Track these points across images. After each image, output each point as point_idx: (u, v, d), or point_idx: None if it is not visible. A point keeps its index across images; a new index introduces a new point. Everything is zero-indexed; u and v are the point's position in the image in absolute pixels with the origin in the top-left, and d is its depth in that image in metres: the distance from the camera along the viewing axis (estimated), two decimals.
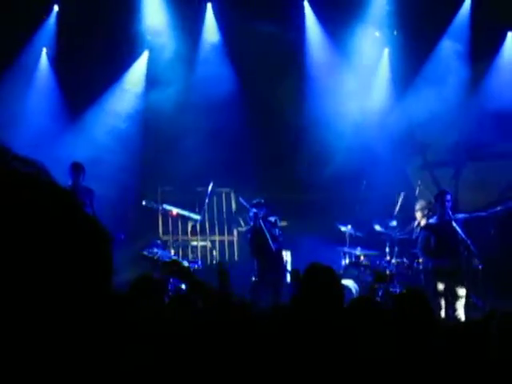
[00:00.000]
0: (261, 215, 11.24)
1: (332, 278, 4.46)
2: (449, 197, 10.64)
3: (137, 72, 13.99)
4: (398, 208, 11.90)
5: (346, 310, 4.37)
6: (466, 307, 10.25)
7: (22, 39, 13.15)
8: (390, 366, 3.90)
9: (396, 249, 11.55)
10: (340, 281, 4.43)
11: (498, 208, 11.08)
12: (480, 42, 13.27)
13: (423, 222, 11.61)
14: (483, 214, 11.12)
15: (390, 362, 3.91)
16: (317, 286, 4.36)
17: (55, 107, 13.43)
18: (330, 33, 13.83)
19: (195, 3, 13.65)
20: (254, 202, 11.37)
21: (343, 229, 11.79)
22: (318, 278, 4.44)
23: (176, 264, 4.83)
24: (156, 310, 4.00)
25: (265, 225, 11.20)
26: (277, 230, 11.45)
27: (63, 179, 11.14)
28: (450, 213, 10.52)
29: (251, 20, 13.45)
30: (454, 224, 10.43)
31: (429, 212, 11.72)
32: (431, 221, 10.91)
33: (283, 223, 12.29)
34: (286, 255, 12.13)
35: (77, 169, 11.09)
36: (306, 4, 13.92)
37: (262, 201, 11.47)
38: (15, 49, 13.04)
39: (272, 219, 11.51)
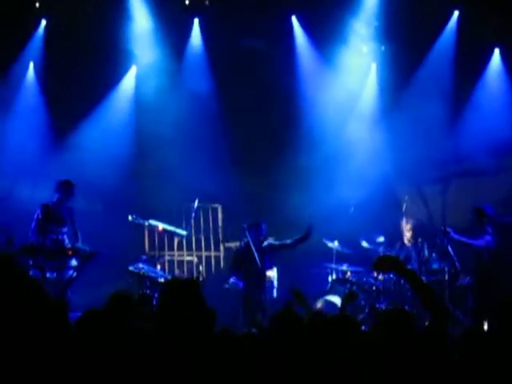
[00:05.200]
0: (252, 236, 11.29)
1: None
2: None
3: (125, 88, 13.95)
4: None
5: None
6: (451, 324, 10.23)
7: (9, 53, 13.10)
8: None
9: None
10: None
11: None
12: (467, 57, 13.31)
13: (408, 240, 11.67)
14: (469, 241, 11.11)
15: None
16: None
17: (42, 123, 13.37)
18: (318, 48, 13.83)
19: (182, 18, 13.61)
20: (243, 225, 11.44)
21: (330, 245, 11.79)
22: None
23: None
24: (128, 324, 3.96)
25: (255, 244, 11.23)
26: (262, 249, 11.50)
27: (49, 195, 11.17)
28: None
29: (238, 36, 13.48)
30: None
31: (414, 232, 11.77)
32: None
33: (270, 240, 12.22)
34: (273, 271, 12.09)
35: (66, 188, 11.03)
36: (295, 20, 13.91)
37: (258, 221, 11.56)
38: (2, 63, 12.99)
39: (266, 242, 11.55)
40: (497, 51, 13.54)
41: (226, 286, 11.05)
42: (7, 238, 10.15)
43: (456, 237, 10.78)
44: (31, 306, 3.16)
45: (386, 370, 4.01)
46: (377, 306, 10.86)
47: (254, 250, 11.04)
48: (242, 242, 11.42)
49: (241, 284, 11.07)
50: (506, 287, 10.46)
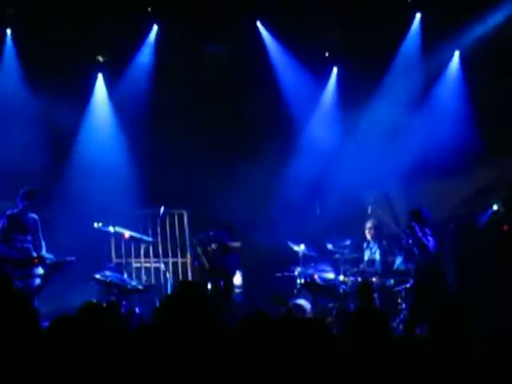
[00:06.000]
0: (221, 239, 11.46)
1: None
2: None
3: (98, 96, 13.98)
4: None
5: None
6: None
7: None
8: None
9: (349, 267, 11.65)
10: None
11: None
12: (429, 60, 13.46)
13: (369, 239, 11.82)
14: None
15: None
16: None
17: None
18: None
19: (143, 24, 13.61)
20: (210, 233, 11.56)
21: (296, 248, 11.81)
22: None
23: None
24: (100, 332, 3.96)
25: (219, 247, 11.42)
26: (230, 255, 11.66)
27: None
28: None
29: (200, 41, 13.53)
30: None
31: (376, 231, 11.89)
32: None
33: (237, 244, 12.27)
34: (238, 276, 12.16)
35: (29, 196, 10.95)
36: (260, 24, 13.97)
37: (224, 225, 11.68)
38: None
39: (233, 244, 11.68)
40: (457, 54, 13.70)
41: None
42: None
43: (419, 234, 10.80)
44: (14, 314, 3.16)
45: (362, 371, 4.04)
46: (344, 308, 10.92)
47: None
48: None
49: None
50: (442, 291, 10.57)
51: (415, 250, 10.78)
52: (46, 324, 4.61)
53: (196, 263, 11.82)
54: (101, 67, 13.88)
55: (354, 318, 4.73)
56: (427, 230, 10.82)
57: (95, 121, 13.89)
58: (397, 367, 4.10)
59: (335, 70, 14.17)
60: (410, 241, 10.88)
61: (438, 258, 10.86)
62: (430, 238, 10.75)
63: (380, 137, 13.40)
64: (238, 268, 12.22)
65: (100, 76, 13.95)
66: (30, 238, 10.91)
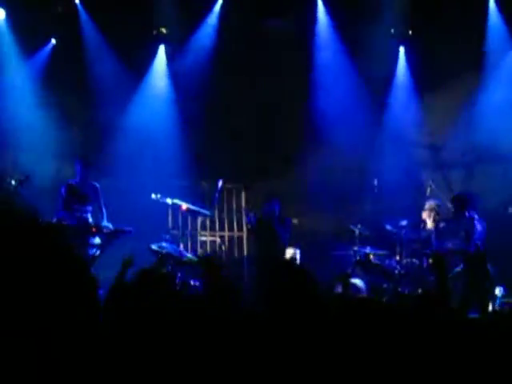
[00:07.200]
0: (273, 213, 11.46)
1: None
2: None
3: (158, 67, 14.07)
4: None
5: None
6: None
7: None
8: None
9: (406, 248, 11.53)
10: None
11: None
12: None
13: (430, 223, 11.59)
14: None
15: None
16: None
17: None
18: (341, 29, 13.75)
19: None
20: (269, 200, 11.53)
21: (354, 228, 11.74)
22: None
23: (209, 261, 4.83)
24: (159, 303, 3.97)
25: (275, 223, 11.41)
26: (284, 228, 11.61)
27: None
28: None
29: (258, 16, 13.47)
30: None
31: (436, 213, 11.69)
32: None
33: (294, 221, 12.28)
34: (296, 253, 12.10)
35: (85, 165, 11.09)
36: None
37: (276, 199, 11.66)
38: None
39: (287, 218, 11.70)
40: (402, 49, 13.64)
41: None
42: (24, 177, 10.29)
43: (468, 218, 10.63)
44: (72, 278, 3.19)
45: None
46: (399, 289, 10.83)
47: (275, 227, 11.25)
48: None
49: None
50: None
51: (463, 234, 10.61)
52: (102, 291, 4.65)
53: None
54: (164, 39, 13.93)
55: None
56: (475, 215, 10.66)
57: (153, 91, 13.96)
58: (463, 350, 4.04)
59: (402, 49, 13.96)
60: (460, 225, 10.72)
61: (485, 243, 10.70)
62: (478, 224, 10.60)
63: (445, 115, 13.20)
64: (294, 244, 12.16)
65: (162, 47, 14.00)
66: (89, 207, 11.05)
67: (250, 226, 11.93)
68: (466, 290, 10.36)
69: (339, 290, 6.70)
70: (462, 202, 10.71)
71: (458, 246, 10.76)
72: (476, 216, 10.66)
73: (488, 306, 10.27)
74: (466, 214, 10.60)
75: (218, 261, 5.65)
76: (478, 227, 10.55)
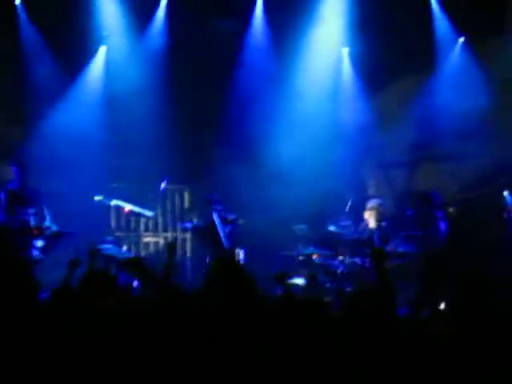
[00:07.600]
0: (215, 211, 11.41)
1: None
2: None
3: (95, 68, 13.85)
4: (348, 207, 11.93)
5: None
6: None
7: None
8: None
9: (349, 248, 11.63)
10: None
11: None
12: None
13: (371, 222, 11.68)
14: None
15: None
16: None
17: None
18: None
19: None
20: (209, 197, 11.50)
21: (297, 228, 11.81)
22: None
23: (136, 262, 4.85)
24: (103, 304, 3.96)
25: (218, 223, 11.39)
26: (228, 228, 11.57)
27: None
28: None
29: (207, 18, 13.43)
30: None
31: (378, 213, 11.78)
32: None
33: (240, 221, 12.30)
34: (240, 253, 12.11)
35: (20, 166, 10.96)
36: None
37: (217, 197, 11.62)
38: None
39: (230, 217, 11.63)
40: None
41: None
42: None
43: (431, 217, 10.74)
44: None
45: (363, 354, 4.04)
46: (342, 288, 10.93)
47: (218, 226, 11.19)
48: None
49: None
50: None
51: (423, 233, 10.69)
52: (44, 295, 4.62)
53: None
54: (106, 40, 13.79)
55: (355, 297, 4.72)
56: (438, 214, 10.78)
57: (89, 93, 13.82)
58: (400, 348, 4.10)
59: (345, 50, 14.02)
60: (417, 225, 10.82)
61: (449, 241, 10.81)
62: (442, 223, 10.72)
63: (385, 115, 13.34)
64: (239, 245, 12.16)
65: (103, 49, 13.83)
66: (31, 210, 10.92)
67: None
68: (421, 290, 10.50)
69: (279, 290, 6.74)
70: (427, 200, 10.81)
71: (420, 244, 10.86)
72: (439, 215, 10.80)
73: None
74: (432, 212, 10.71)
75: (145, 263, 5.67)
76: (442, 226, 10.65)
